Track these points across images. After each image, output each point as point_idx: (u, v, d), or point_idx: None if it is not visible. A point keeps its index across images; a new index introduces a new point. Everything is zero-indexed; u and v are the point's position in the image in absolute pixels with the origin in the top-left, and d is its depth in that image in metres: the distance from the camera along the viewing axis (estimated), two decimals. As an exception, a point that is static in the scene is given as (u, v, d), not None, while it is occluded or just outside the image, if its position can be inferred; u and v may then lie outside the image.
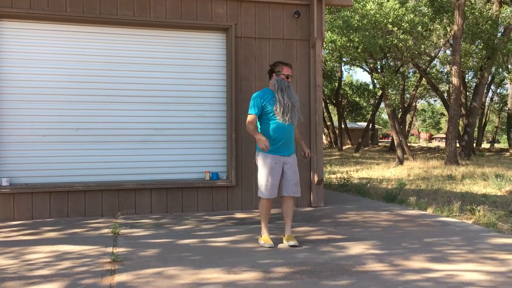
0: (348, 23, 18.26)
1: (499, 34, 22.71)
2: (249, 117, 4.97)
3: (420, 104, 58.46)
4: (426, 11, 21.59)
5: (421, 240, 5.18)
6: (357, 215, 6.85)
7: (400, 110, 31.77)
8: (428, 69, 28.35)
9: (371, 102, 42.46)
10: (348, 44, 19.07)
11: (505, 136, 54.09)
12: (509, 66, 31.76)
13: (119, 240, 5.19)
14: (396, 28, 18.76)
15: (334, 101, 39.01)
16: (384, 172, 15.68)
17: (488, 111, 43.07)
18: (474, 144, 31.46)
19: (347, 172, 15.02)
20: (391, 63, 27.03)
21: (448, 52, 27.12)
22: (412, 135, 79.26)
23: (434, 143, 64.82)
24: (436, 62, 30.02)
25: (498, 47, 21.48)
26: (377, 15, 18.44)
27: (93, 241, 5.15)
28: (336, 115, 40.82)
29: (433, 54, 27.08)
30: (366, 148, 39.68)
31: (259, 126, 5.05)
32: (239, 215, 6.88)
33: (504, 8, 23.99)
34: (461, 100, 23.53)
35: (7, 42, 6.72)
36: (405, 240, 5.16)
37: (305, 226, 5.97)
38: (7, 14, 6.59)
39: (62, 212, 6.68)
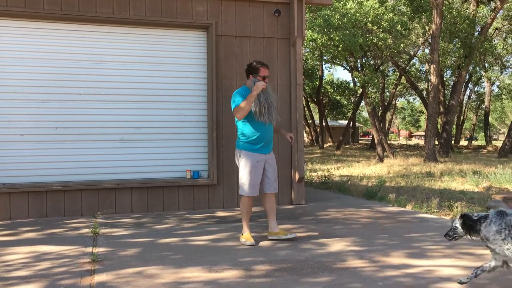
0: (328, 21, 18.36)
1: (476, 33, 23.10)
2: (236, 108, 4.88)
3: (400, 102, 59.11)
4: (405, 10, 21.85)
5: (400, 236, 5.25)
6: (337, 213, 6.90)
7: (380, 108, 32.09)
8: (407, 67, 28.70)
9: (352, 101, 42.77)
10: (328, 43, 19.18)
11: (482, 134, 55.11)
12: (486, 64, 32.36)
13: (99, 240, 5.14)
14: (376, 27, 18.94)
15: (315, 100, 39.21)
16: (365, 169, 15.83)
17: (466, 109, 43.79)
18: (452, 142, 31.97)
19: (328, 170, 15.12)
20: (371, 62, 27.30)
21: (426, 50, 27.52)
22: (392, 133, 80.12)
23: (414, 141, 65.69)
24: (415, 60, 30.46)
25: (475, 46, 21.84)
26: (357, 14, 18.59)
27: (72, 241, 5.09)
28: (317, 113, 41.03)
29: (412, 53, 27.42)
30: (347, 146, 39.99)
31: (240, 126, 5.05)
32: (220, 214, 6.88)
33: (481, 8, 24.40)
34: (440, 98, 23.89)
35: (-17, 39, 6.60)
36: (384, 237, 5.23)
37: (286, 224, 6.00)
38: (-18, 11, 6.47)
39: (41, 212, 6.59)
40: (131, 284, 3.64)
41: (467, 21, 21.90)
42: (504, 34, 30.55)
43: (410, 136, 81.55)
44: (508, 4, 23.77)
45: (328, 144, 41.55)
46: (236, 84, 7.36)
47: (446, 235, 3.48)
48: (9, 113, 6.65)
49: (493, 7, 22.82)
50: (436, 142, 21.50)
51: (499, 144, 37.43)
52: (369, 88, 22.95)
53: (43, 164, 6.76)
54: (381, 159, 20.32)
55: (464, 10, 23.75)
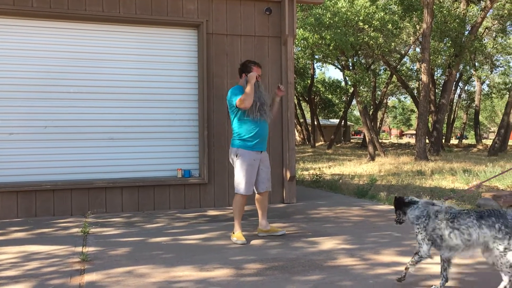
0: (320, 20, 18.39)
1: (466, 32, 23.26)
2: (240, 98, 4.87)
3: (391, 101, 59.40)
4: (396, 9, 21.94)
5: (391, 234, 5.27)
6: (329, 211, 6.91)
7: (372, 107, 32.23)
8: (398, 66, 28.82)
9: (343, 99, 42.89)
10: (320, 42, 19.21)
11: (472, 132, 55.52)
12: (476, 63, 32.58)
13: (89, 240, 5.10)
14: (367, 26, 19.01)
15: (306, 98, 39.27)
16: (356, 168, 15.88)
17: (456, 108, 44.07)
18: (443, 140, 32.17)
19: (319, 168, 15.15)
20: (363, 61, 27.38)
21: (417, 49, 27.66)
22: (384, 131, 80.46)
23: (405, 139, 66.04)
24: (406, 59, 30.56)
25: (465, 45, 21.99)
26: (348, 13, 18.63)
27: (62, 241, 5.05)
28: (309, 112, 41.09)
29: (403, 52, 27.56)
30: (339, 145, 40.11)
31: (236, 125, 5.06)
32: (211, 212, 6.86)
33: (471, 7, 24.57)
34: (430, 97, 24.04)
35: (-29, 37, 6.52)
36: (375, 235, 5.24)
37: (278, 222, 5.99)
38: (-30, 9, 6.39)
39: (30, 211, 6.54)
40: (121, 284, 3.62)
41: (457, 20, 22.04)
42: (494, 33, 30.80)
43: (401, 134, 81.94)
44: (497, 4, 23.94)
45: (320, 143, 41.66)
46: (227, 83, 7.35)
47: (395, 220, 3.60)
48: (-2, 112, 6.59)
49: (483, 6, 22.97)
50: (427, 141, 21.62)
51: (489, 142, 37.73)
52: (361, 87, 23.04)
53: (32, 163, 6.70)
54: (372, 158, 20.40)
55: (454, 9, 23.90)
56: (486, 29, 29.35)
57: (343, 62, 24.97)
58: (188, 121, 7.40)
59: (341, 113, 44.28)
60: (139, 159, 7.19)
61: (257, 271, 3.92)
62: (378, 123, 43.57)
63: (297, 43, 19.42)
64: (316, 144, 37.80)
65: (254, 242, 4.99)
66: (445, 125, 35.59)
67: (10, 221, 6.28)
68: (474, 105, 40.76)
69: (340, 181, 10.83)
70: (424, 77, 19.14)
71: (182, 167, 7.31)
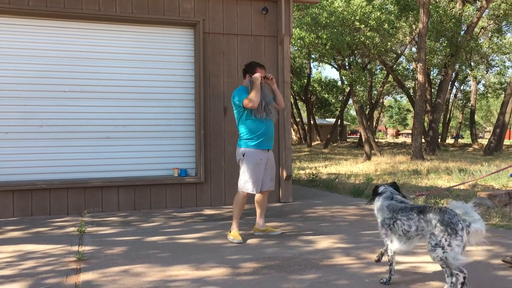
0: (316, 20, 18.39)
1: (462, 32, 23.31)
2: (247, 98, 4.92)
3: (387, 100, 59.48)
4: (392, 9, 21.97)
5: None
6: (325, 210, 6.93)
7: (368, 106, 32.28)
8: (394, 66, 28.87)
9: (340, 99, 42.92)
10: (316, 41, 19.22)
11: (468, 132, 55.67)
12: (472, 63, 32.68)
13: (85, 239, 5.10)
14: (363, 25, 19.02)
15: (303, 98, 39.27)
16: (352, 167, 15.90)
17: (452, 107, 44.18)
18: (439, 140, 32.24)
19: (315, 167, 15.17)
20: (359, 60, 27.42)
21: (413, 49, 27.71)
22: (380, 131, 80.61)
23: (401, 139, 66.11)
24: (402, 59, 30.65)
25: (461, 44, 22.04)
26: (345, 13, 18.64)
27: (58, 240, 5.04)
28: (305, 112, 41.12)
29: (399, 52, 27.60)
30: (335, 144, 40.14)
31: (242, 126, 5.09)
32: (208, 212, 6.87)
33: (467, 7, 24.62)
34: (426, 96, 24.09)
35: (-34, 36, 6.50)
36: (371, 234, 5.25)
37: (274, 222, 6.00)
38: (-35, 7, 6.37)
39: (26, 210, 6.52)
40: (117, 283, 3.62)
41: (453, 20, 22.09)
42: (490, 33, 30.89)
43: (397, 134, 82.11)
44: (493, 4, 24.02)
45: (316, 142, 41.68)
46: (223, 82, 7.36)
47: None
48: (-7, 110, 6.57)
49: (478, 6, 23.03)
50: (423, 140, 21.68)
51: (484, 142, 37.88)
52: (357, 87, 23.08)
53: (28, 162, 6.69)
54: (368, 157, 20.43)
55: (450, 9, 23.95)
56: (482, 29, 29.44)
57: (339, 62, 24.99)
58: (184, 120, 7.40)
59: (337, 112, 44.33)
60: (136, 158, 7.19)
61: (253, 270, 3.93)
62: (374, 123, 43.65)
63: (293, 42, 19.43)
64: (313, 144, 37.82)
65: (250, 241, 5.00)
66: (441, 125, 35.65)
67: (5, 220, 6.26)
68: (470, 104, 40.86)
69: (336, 180, 10.84)
70: (420, 77, 19.18)
71: (178, 166, 7.31)
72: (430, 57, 22.43)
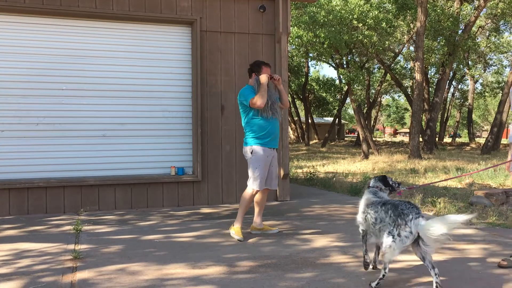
0: (314, 18, 18.38)
1: (460, 31, 23.33)
2: (254, 98, 4.92)
3: (385, 99, 59.54)
4: (390, 8, 21.97)
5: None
6: (322, 209, 6.93)
7: (366, 105, 32.30)
8: (392, 65, 28.89)
9: (337, 98, 42.95)
10: (314, 40, 19.21)
11: (466, 131, 55.79)
12: (470, 62, 32.72)
13: (81, 237, 5.09)
14: (361, 24, 19.02)
15: (301, 96, 39.28)
16: (350, 166, 15.91)
17: (450, 106, 44.25)
18: (437, 138, 32.30)
19: (313, 166, 15.17)
20: (357, 59, 27.40)
21: (411, 48, 27.73)
22: (377, 129, 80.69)
23: (399, 138, 66.24)
24: (400, 58, 30.65)
25: (459, 43, 22.07)
26: (343, 11, 18.64)
27: (54, 239, 5.03)
28: (303, 110, 41.12)
29: (397, 50, 27.61)
30: (333, 143, 40.17)
31: (248, 124, 5.08)
32: (205, 210, 6.86)
33: (464, 6, 24.66)
34: (424, 95, 24.13)
35: (-38, 33, 6.47)
36: (368, 232, 5.24)
37: (271, 220, 5.99)
38: (-39, 5, 6.34)
39: (22, 209, 6.50)
40: (113, 281, 3.61)
41: (451, 19, 22.10)
42: (487, 32, 30.95)
43: (395, 133, 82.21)
44: (491, 3, 24.04)
45: (314, 141, 41.72)
46: (221, 80, 7.34)
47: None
48: (-10, 108, 6.55)
49: (476, 5, 23.07)
50: (421, 139, 21.70)
51: (482, 141, 37.95)
52: (355, 85, 23.06)
53: (24, 160, 6.67)
54: (366, 156, 20.45)
55: (448, 8, 23.97)
56: (480, 28, 29.49)
57: (337, 60, 25.01)
58: (181, 119, 7.39)
59: (335, 111, 44.34)
60: (133, 156, 7.17)
61: (250, 269, 3.93)
62: (372, 122, 43.66)
63: (291, 41, 19.42)
64: (310, 142, 37.84)
65: (247, 239, 4.99)
66: (438, 124, 35.72)
67: (2, 218, 6.24)
68: (468, 103, 40.94)
69: (334, 179, 10.84)
70: (417, 76, 19.20)
71: (175, 164, 7.30)
72: (427, 56, 22.44)
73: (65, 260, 4.17)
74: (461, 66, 29.71)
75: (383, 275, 3.39)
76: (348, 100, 33.86)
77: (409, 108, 34.00)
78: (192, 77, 7.35)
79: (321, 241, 4.87)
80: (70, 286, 3.51)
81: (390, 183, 3.83)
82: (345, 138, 55.17)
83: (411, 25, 22.59)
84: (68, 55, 6.88)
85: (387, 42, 21.50)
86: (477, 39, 28.90)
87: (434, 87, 25.85)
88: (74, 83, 6.90)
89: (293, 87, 37.24)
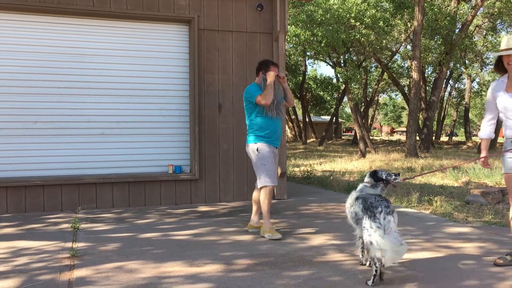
0: (311, 17, 18.39)
1: (457, 30, 23.37)
2: (260, 95, 4.94)
3: (382, 98, 59.61)
4: (388, 7, 21.99)
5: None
6: (319, 207, 6.95)
7: (363, 104, 32.31)
8: (389, 63, 28.92)
9: (335, 96, 42.98)
10: (311, 38, 19.21)
11: (462, 130, 55.90)
12: (467, 61, 32.78)
13: (79, 235, 5.09)
14: (359, 23, 19.03)
15: (298, 95, 39.28)
16: (347, 165, 15.94)
17: (447, 105, 44.31)
18: (433, 137, 32.35)
19: (310, 165, 15.19)
20: (354, 58, 27.42)
21: (408, 47, 27.76)
22: (375, 128, 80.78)
23: (396, 136, 66.29)
24: (397, 57, 30.68)
25: (456, 42, 22.10)
26: (340, 10, 18.65)
27: (51, 237, 5.03)
28: (301, 109, 41.13)
29: (394, 49, 27.64)
30: (330, 142, 40.21)
31: (253, 122, 5.09)
32: (202, 208, 6.87)
33: (461, 5, 24.68)
34: (421, 94, 24.14)
35: (-41, 31, 6.45)
36: (365, 231, 5.26)
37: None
38: (-42, 2, 6.32)
39: (20, 207, 6.50)
40: (110, 279, 3.62)
41: (448, 18, 22.14)
42: (484, 31, 31.00)
43: (392, 131, 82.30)
44: (488, 2, 24.09)
45: (311, 139, 41.73)
46: (218, 79, 7.35)
47: None
48: (-13, 106, 6.53)
49: (473, 5, 23.09)
50: (417, 138, 21.74)
51: (478, 140, 38.02)
52: (352, 84, 23.03)
53: (22, 158, 6.66)
54: (363, 155, 20.48)
55: (445, 7, 24.00)
56: (477, 27, 29.53)
57: (334, 59, 25.01)
58: (179, 117, 7.39)
59: (332, 110, 44.39)
60: (130, 154, 7.17)
61: (247, 267, 3.94)
62: (369, 120, 43.75)
63: (288, 39, 19.41)
64: (308, 141, 37.86)
65: (244, 237, 5.00)
66: (435, 123, 35.77)
67: (-1, 216, 6.24)
68: (464, 102, 41.01)
69: (331, 177, 10.86)
70: (414, 75, 19.23)
71: (173, 163, 7.30)
72: (425, 55, 22.47)
73: (63, 258, 4.18)
74: (458, 65, 29.74)
75: (376, 271, 3.45)
76: (345, 98, 33.90)
77: (406, 107, 34.07)
78: (189, 76, 7.35)
79: (318, 240, 4.89)
80: (68, 284, 3.52)
81: (383, 177, 3.83)
82: (342, 137, 55.21)
83: (408, 24, 22.62)
84: (66, 53, 6.87)
85: (384, 41, 21.51)
86: (474, 38, 28.95)
87: (431, 86, 25.89)
88: (71, 81, 6.89)
89: (290, 86, 37.19)
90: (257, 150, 5.04)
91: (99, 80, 7.02)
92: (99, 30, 7.04)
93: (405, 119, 65.85)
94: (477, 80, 40.77)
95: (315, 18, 18.35)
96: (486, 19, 28.49)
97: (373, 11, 19.24)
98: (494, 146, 25.37)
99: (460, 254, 4.32)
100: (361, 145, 21.58)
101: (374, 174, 3.90)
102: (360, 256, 3.95)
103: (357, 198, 3.74)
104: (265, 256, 4.27)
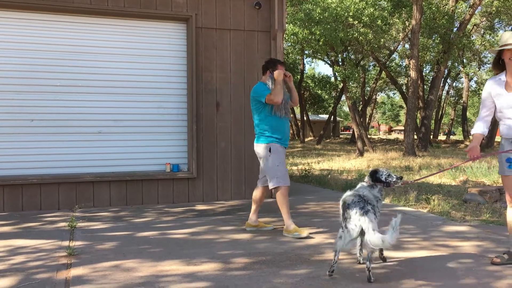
0: (309, 16, 18.38)
1: (455, 29, 23.39)
2: (271, 94, 4.91)
3: (380, 97, 59.64)
4: (386, 6, 21.99)
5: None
6: (317, 206, 6.94)
7: (361, 102, 32.35)
8: (387, 62, 28.93)
9: (333, 95, 42.99)
10: (310, 37, 19.21)
11: (460, 128, 55.95)
12: (464, 60, 32.81)
13: (76, 234, 5.08)
14: (357, 21, 19.03)
15: (296, 94, 39.29)
16: (345, 163, 15.94)
17: (445, 104, 44.38)
18: (431, 136, 32.38)
19: (308, 163, 15.19)
20: (352, 56, 27.44)
21: (406, 46, 27.76)
22: (372, 127, 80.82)
23: (393, 135, 66.40)
24: (395, 55, 30.71)
25: (454, 41, 22.11)
26: (338, 9, 18.64)
27: (48, 235, 5.02)
28: (299, 108, 41.15)
29: (392, 48, 27.65)
30: (328, 140, 40.22)
31: (263, 122, 5.04)
32: (200, 207, 6.86)
33: (459, 4, 24.71)
34: (419, 93, 24.20)
35: (-44, 29, 6.43)
36: (363, 229, 5.26)
37: (266, 217, 6.00)
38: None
39: (17, 206, 6.48)
40: (108, 278, 3.60)
41: (446, 17, 22.15)
42: (482, 30, 31.03)
43: (390, 130, 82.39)
44: (486, 1, 24.11)
45: (309, 138, 41.74)
46: (216, 77, 7.34)
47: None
48: (-17, 104, 6.51)
49: (471, 3, 23.10)
50: (415, 137, 21.76)
51: (476, 138, 37.96)
52: (350, 83, 23.07)
53: (18, 157, 6.64)
54: (361, 153, 20.49)
55: (443, 6, 24.01)
56: (475, 26, 29.55)
57: (332, 58, 25.03)
58: (177, 115, 7.38)
59: (330, 108, 44.40)
60: (128, 153, 7.15)
61: (244, 265, 3.93)
62: (367, 119, 43.78)
63: (286, 38, 19.40)
64: (306, 140, 37.88)
65: (242, 236, 5.00)
66: (433, 121, 35.79)
67: (-4, 215, 6.22)
68: (462, 101, 41.04)
69: (329, 176, 10.86)
70: (412, 73, 19.24)
71: (170, 161, 7.29)
72: (422, 54, 22.49)
73: (60, 257, 4.16)
74: (456, 64, 29.77)
75: (369, 268, 3.48)
76: (343, 97, 33.91)
77: (404, 105, 34.08)
78: (187, 74, 7.34)
79: (315, 238, 4.88)
80: (65, 282, 3.51)
81: (382, 179, 3.81)
82: (340, 136, 55.26)
83: (406, 23, 22.63)
84: (63, 51, 6.85)
85: (382, 40, 21.52)
86: (472, 37, 28.96)
87: (429, 84, 25.91)
88: (68, 79, 6.87)
89: (288, 85, 37.17)
90: (269, 150, 5.00)
91: (97, 78, 7.00)
92: (97, 28, 7.01)
93: (403, 117, 65.88)
94: (475, 79, 40.85)
95: (313, 17, 18.33)
96: (484, 18, 28.52)
97: (371, 10, 19.24)
98: (492, 145, 25.41)
99: (458, 253, 4.31)
100: (359, 144, 21.59)
101: (373, 174, 3.87)
102: (358, 255, 3.94)
103: (343, 199, 3.74)
104: (263, 254, 4.26)
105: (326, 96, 47.51)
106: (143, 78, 7.20)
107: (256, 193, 5.25)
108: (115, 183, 6.91)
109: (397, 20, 22.71)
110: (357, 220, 3.45)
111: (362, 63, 30.54)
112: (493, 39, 31.05)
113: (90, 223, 5.65)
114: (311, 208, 6.74)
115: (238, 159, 7.43)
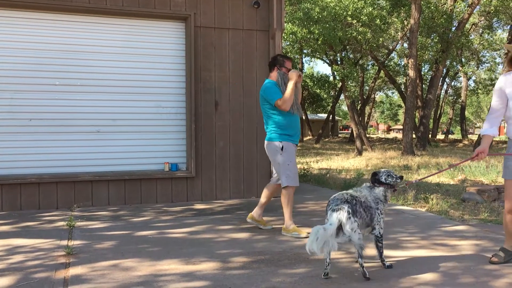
0: (308, 15, 18.38)
1: (453, 28, 23.41)
2: (281, 100, 4.86)
3: (379, 96, 59.67)
4: (384, 5, 22.00)
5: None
6: (315, 205, 6.95)
7: (359, 102, 32.37)
8: (386, 61, 28.94)
9: (331, 94, 42.99)
10: (308, 36, 19.21)
11: (458, 127, 56.03)
12: (463, 59, 32.83)
13: (74, 233, 5.07)
14: (355, 20, 19.04)
15: (295, 93, 39.29)
16: (344, 162, 15.96)
17: (443, 103, 44.40)
18: (430, 135, 32.41)
19: (307, 162, 15.20)
20: (351, 56, 27.45)
21: (405, 45, 27.78)
22: (371, 126, 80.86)
23: (392, 134, 66.43)
24: (394, 55, 30.71)
25: (452, 40, 22.14)
26: (337, 8, 18.65)
27: (47, 234, 5.01)
28: (297, 107, 41.08)
29: (391, 47, 27.66)
30: (327, 139, 40.25)
31: (276, 119, 5.00)
32: (198, 206, 6.86)
33: (458, 3, 24.72)
34: (417, 92, 24.21)
35: (-46, 28, 6.41)
36: (361, 228, 5.26)
37: (265, 216, 5.98)
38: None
39: (15, 205, 6.47)
40: (106, 277, 3.60)
41: (444, 16, 22.18)
42: (481, 29, 31.05)
43: (388, 129, 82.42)
44: (484, 0, 24.12)
45: (308, 137, 41.78)
46: (215, 76, 7.33)
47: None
48: (-18, 104, 6.50)
49: (470, 3, 23.12)
50: (414, 136, 21.78)
51: (474, 138, 38.13)
52: (349, 82, 23.09)
53: (17, 156, 6.63)
54: (359, 152, 20.51)
55: (442, 5, 24.03)
56: (473, 25, 29.57)
57: (331, 57, 25.01)
58: (175, 114, 7.37)
59: (329, 107, 44.42)
60: (126, 152, 7.15)
61: (243, 264, 3.94)
62: (366, 118, 43.76)
63: (285, 37, 19.40)
64: (304, 139, 37.90)
65: (240, 235, 5.00)
66: (431, 120, 35.85)
67: (-6, 214, 6.21)
68: (460, 100, 41.11)
69: (327, 175, 10.87)
70: (411, 73, 19.26)
71: (169, 160, 7.28)
72: (421, 53, 22.50)
73: (58, 256, 4.16)
74: (454, 63, 29.80)
75: (361, 265, 3.53)
76: (342, 96, 33.91)
77: (403, 105, 34.09)
78: (186, 73, 7.33)
79: (314, 237, 4.87)
80: (63, 282, 3.51)
81: (381, 180, 3.81)
82: (339, 135, 55.28)
83: (405, 22, 22.63)
84: (61, 50, 6.84)
85: (381, 39, 21.54)
86: (471, 36, 28.98)
87: (428, 84, 25.93)
88: (67, 78, 6.85)
89: (287, 84, 37.12)
90: (282, 149, 4.97)
91: (95, 78, 6.99)
92: (95, 27, 7.00)
93: (401, 117, 65.93)
94: (473, 78, 40.88)
95: (312, 16, 18.34)
96: (483, 17, 28.51)
97: (370, 9, 19.26)
98: (490, 145, 25.41)
99: (456, 252, 4.32)
100: (358, 143, 21.60)
101: (373, 176, 3.87)
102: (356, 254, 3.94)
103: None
104: (261, 253, 4.27)
105: (325, 95, 47.49)
106: (141, 77, 7.20)
107: (271, 188, 5.24)
108: (113, 182, 6.90)
109: (396, 19, 22.72)
110: (329, 216, 3.55)
111: (360, 62, 30.55)
112: (491, 38, 31.10)
113: (89, 222, 5.65)
114: (310, 207, 6.74)
115: (236, 158, 7.43)
